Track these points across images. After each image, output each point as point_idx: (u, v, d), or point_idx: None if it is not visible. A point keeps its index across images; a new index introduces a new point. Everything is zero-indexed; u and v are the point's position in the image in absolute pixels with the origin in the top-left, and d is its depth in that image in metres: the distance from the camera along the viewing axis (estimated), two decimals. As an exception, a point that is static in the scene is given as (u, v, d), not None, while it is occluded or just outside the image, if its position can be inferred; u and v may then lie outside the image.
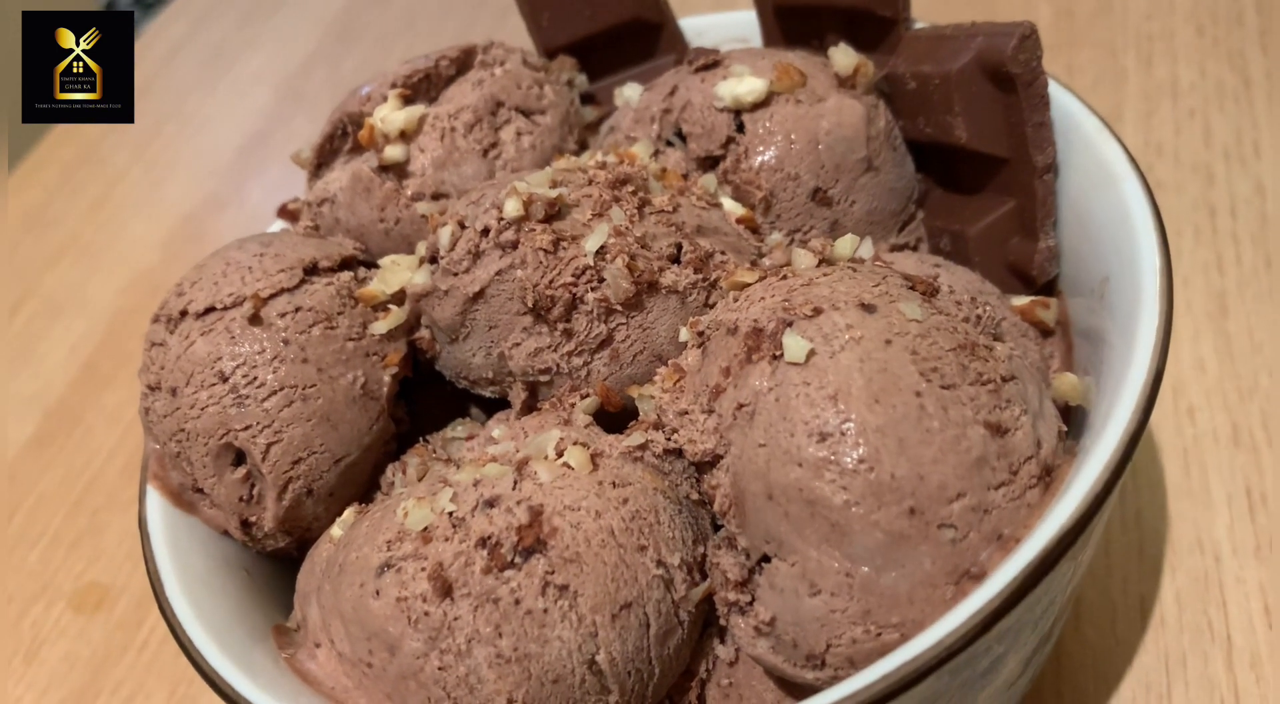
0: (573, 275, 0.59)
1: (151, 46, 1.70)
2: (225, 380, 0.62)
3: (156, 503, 0.65)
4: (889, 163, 0.69)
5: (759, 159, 0.67)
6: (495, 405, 0.69)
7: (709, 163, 0.70)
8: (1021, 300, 0.66)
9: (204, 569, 0.63)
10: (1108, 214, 0.61)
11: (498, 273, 0.61)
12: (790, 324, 0.52)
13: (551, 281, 0.59)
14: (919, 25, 0.73)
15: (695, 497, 0.58)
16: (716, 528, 0.58)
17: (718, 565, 0.55)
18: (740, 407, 0.52)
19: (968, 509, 0.49)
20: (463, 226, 0.63)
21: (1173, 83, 1.09)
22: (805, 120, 0.67)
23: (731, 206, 0.67)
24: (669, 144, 0.72)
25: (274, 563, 0.68)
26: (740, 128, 0.69)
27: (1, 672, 0.94)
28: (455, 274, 0.62)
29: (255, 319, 0.63)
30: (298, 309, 0.64)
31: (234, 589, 0.64)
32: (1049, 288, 0.68)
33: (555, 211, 0.61)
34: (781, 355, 0.51)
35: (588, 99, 0.82)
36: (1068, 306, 0.66)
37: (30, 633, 0.97)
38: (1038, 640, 0.56)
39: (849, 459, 0.49)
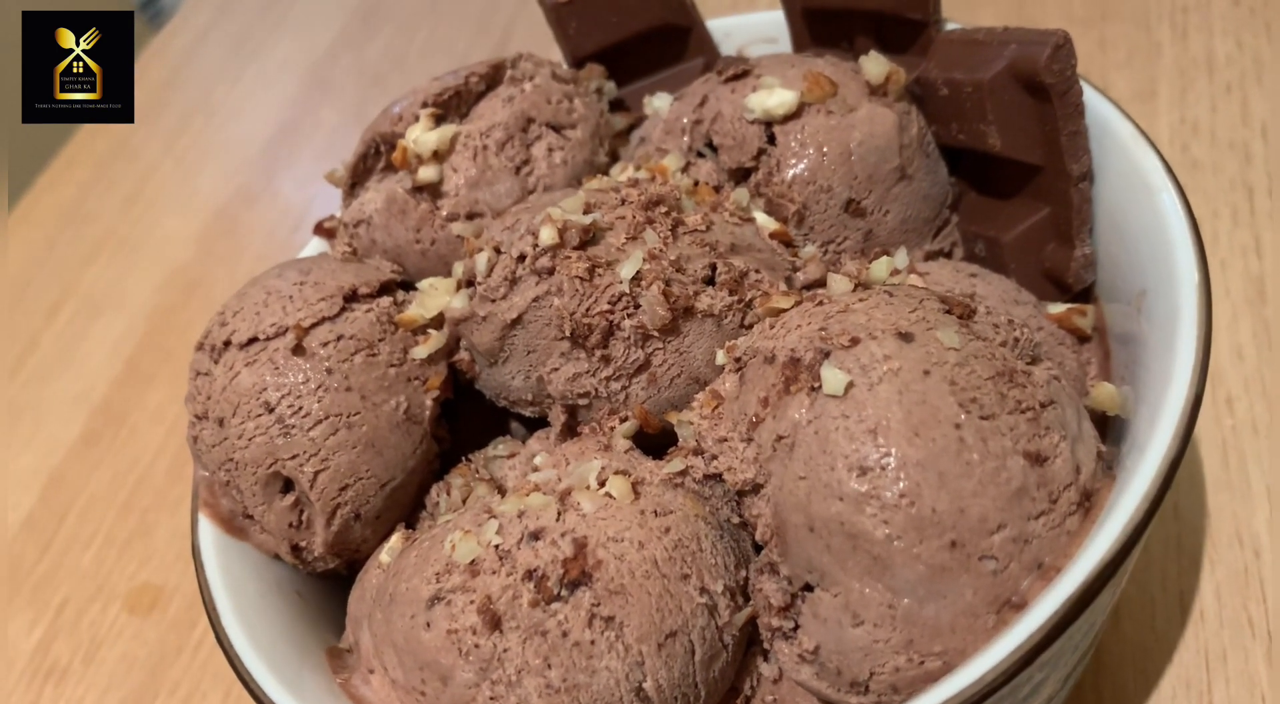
0: (609, 303, 0.60)
1: (177, 35, 1.71)
2: (271, 411, 0.63)
3: (208, 530, 0.66)
4: (922, 170, 0.69)
5: (791, 172, 0.67)
6: (535, 421, 0.69)
7: (741, 174, 0.70)
8: (1058, 307, 0.66)
9: (256, 593, 0.65)
10: (1144, 225, 0.61)
11: (535, 299, 0.61)
12: (828, 355, 0.53)
13: (588, 309, 0.60)
14: (950, 26, 0.72)
15: (736, 520, 0.59)
16: (758, 549, 0.59)
17: (760, 591, 0.56)
18: (780, 438, 0.53)
19: (1008, 540, 0.49)
20: (498, 252, 0.63)
21: (1208, 56, 1.07)
22: (837, 131, 0.67)
23: (764, 221, 0.67)
24: (700, 155, 0.72)
25: (325, 583, 0.70)
26: (771, 139, 0.69)
27: (63, 673, 0.97)
28: (493, 300, 0.63)
29: (298, 349, 0.64)
30: (340, 337, 0.65)
31: (287, 612, 0.66)
32: (1085, 293, 0.68)
33: (590, 237, 0.61)
34: (820, 387, 0.52)
35: (617, 105, 0.82)
36: (1105, 312, 0.66)
37: (88, 634, 1.00)
38: (1077, 659, 0.56)
39: (890, 494, 0.49)
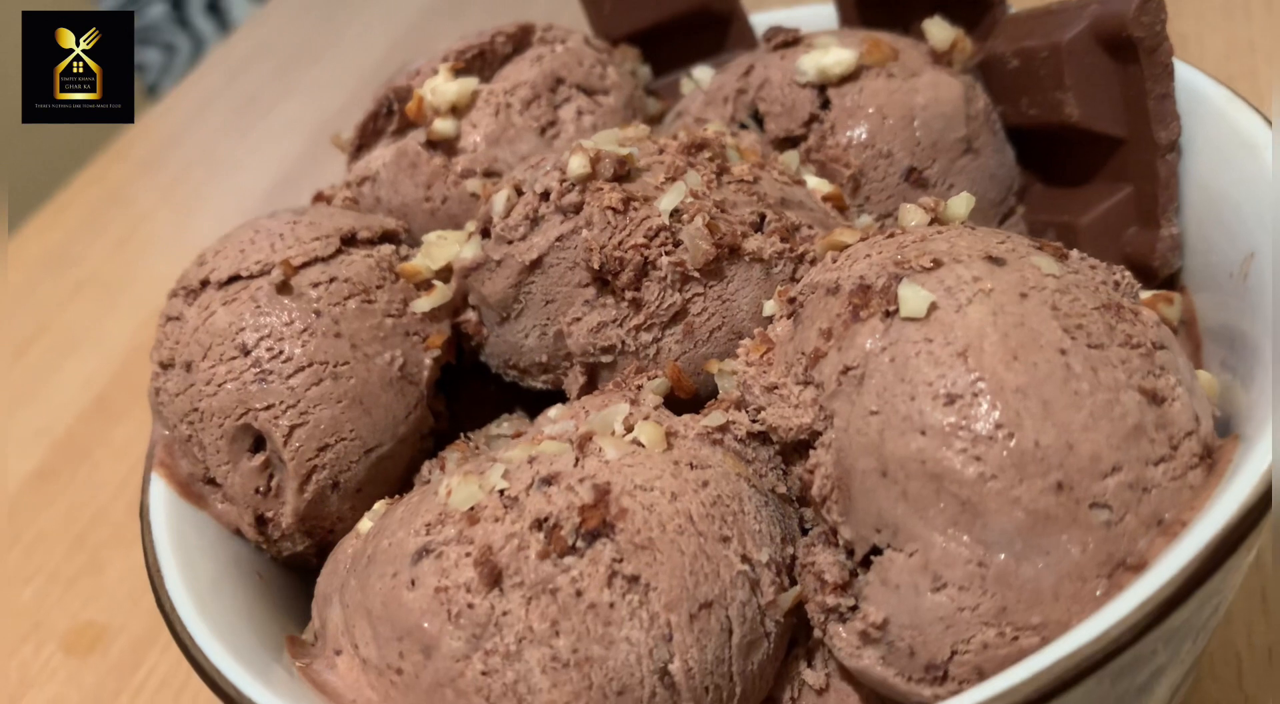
0: (645, 237, 0.52)
1: (188, 94, 1.68)
2: (247, 353, 0.55)
3: (161, 493, 0.57)
4: (989, 146, 0.63)
5: (848, 134, 0.61)
6: (544, 405, 0.61)
7: (788, 144, 0.64)
8: (1142, 295, 0.59)
9: (212, 571, 0.55)
10: (1247, 188, 0.54)
11: (558, 239, 0.54)
12: (903, 279, 0.45)
13: (620, 243, 0.52)
14: (1014, 11, 0.67)
15: (782, 490, 0.50)
16: (805, 531, 0.50)
17: (811, 566, 0.47)
18: (846, 371, 0.45)
19: (1124, 486, 0.41)
20: (519, 192, 0.56)
21: (1258, 121, 1.03)
22: (899, 94, 0.61)
23: (817, 184, 0.60)
24: (743, 126, 0.66)
25: (290, 572, 0.60)
26: (825, 105, 0.63)
27: (-19, 716, 0.86)
28: (510, 242, 0.55)
29: (284, 287, 0.56)
30: (332, 279, 0.57)
31: (245, 595, 0.56)
32: (1170, 283, 0.61)
33: (625, 172, 0.54)
34: (896, 310, 0.44)
35: (650, 95, 0.76)
36: (1193, 302, 0.59)
37: (16, 675, 0.89)
38: (1191, 662, 0.47)
39: (984, 425, 0.41)
